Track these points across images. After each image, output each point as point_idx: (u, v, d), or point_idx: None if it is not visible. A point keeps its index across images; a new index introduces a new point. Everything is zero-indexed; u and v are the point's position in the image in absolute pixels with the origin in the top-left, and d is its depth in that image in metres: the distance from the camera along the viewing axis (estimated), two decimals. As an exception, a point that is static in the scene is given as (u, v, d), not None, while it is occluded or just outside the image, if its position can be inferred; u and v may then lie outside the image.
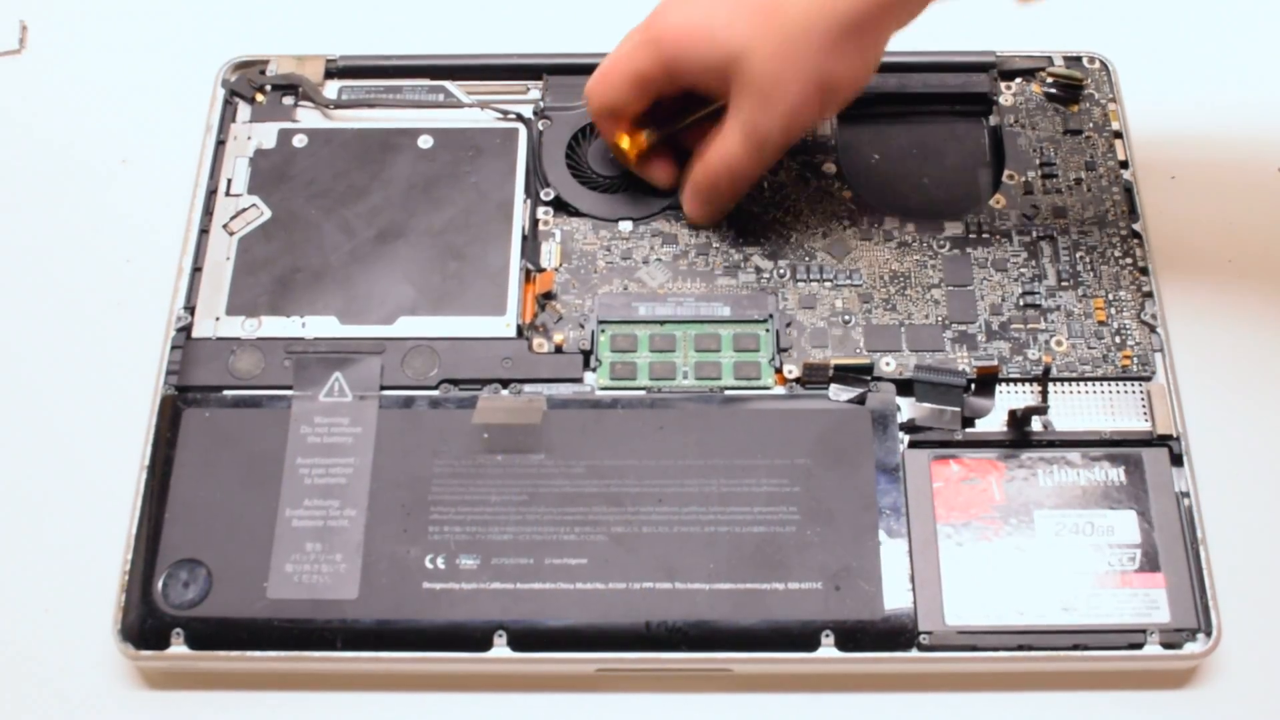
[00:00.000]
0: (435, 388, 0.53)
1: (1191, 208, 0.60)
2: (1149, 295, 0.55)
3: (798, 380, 0.53)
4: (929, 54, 0.61)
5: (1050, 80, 0.60)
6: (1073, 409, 0.53)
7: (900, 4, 0.50)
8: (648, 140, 0.56)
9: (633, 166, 0.57)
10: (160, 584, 0.50)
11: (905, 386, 0.53)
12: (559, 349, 0.54)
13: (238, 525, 0.50)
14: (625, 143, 0.55)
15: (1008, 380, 0.54)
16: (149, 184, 0.62)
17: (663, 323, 0.55)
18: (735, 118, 0.52)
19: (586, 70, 0.60)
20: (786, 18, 0.50)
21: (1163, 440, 0.52)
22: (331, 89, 0.61)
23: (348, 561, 0.50)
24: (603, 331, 0.55)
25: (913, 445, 0.52)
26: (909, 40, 0.53)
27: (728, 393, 0.53)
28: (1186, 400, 0.54)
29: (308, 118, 0.60)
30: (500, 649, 0.49)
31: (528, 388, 0.53)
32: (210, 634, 0.49)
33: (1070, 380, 0.54)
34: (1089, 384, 0.54)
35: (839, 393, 0.53)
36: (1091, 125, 0.60)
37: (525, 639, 0.49)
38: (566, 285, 0.56)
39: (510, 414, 0.52)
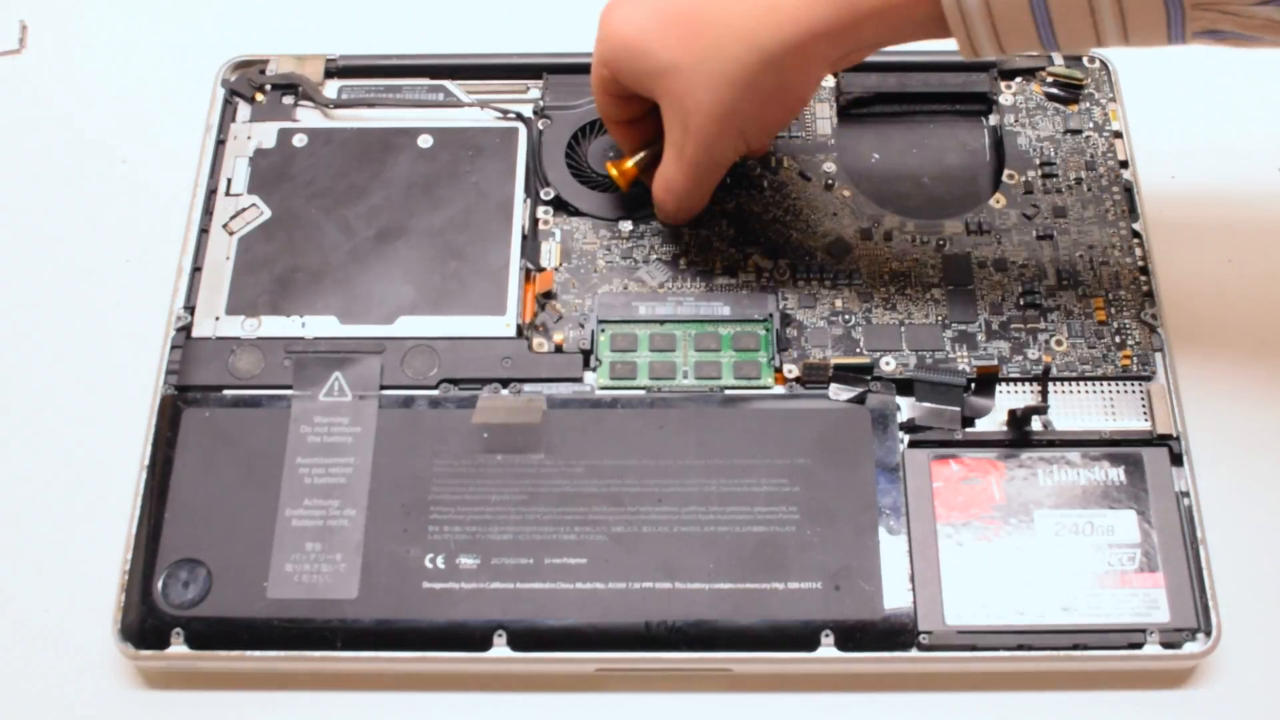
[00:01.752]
0: (435, 387, 0.53)
1: (1191, 208, 0.60)
2: (1149, 295, 0.55)
3: (798, 380, 0.53)
4: (929, 54, 0.60)
5: (1050, 80, 0.60)
6: (1073, 409, 0.53)
7: (827, 44, 0.48)
8: (634, 167, 0.55)
9: (624, 190, 0.57)
10: (160, 584, 0.50)
11: (905, 386, 0.53)
12: (559, 348, 0.54)
13: (238, 525, 0.50)
14: (614, 172, 0.56)
15: (1008, 380, 0.54)
16: (149, 184, 0.62)
17: (663, 322, 0.55)
18: (670, 140, 0.52)
19: (586, 70, 0.60)
20: (708, 41, 0.48)
21: (1163, 440, 0.52)
22: (331, 89, 0.61)
23: (347, 561, 0.50)
24: (603, 331, 0.55)
25: (913, 445, 0.52)
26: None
27: (728, 392, 0.53)
28: (1186, 400, 0.54)
29: (308, 117, 0.60)
30: (500, 649, 0.49)
31: (528, 387, 0.53)
32: (210, 634, 0.49)
33: (1070, 380, 0.54)
34: (1089, 384, 0.54)
35: (839, 392, 0.53)
36: (1091, 125, 0.60)
37: (525, 639, 0.49)
38: (566, 285, 0.56)
39: (510, 414, 0.52)
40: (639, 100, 0.53)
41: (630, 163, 0.55)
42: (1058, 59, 0.61)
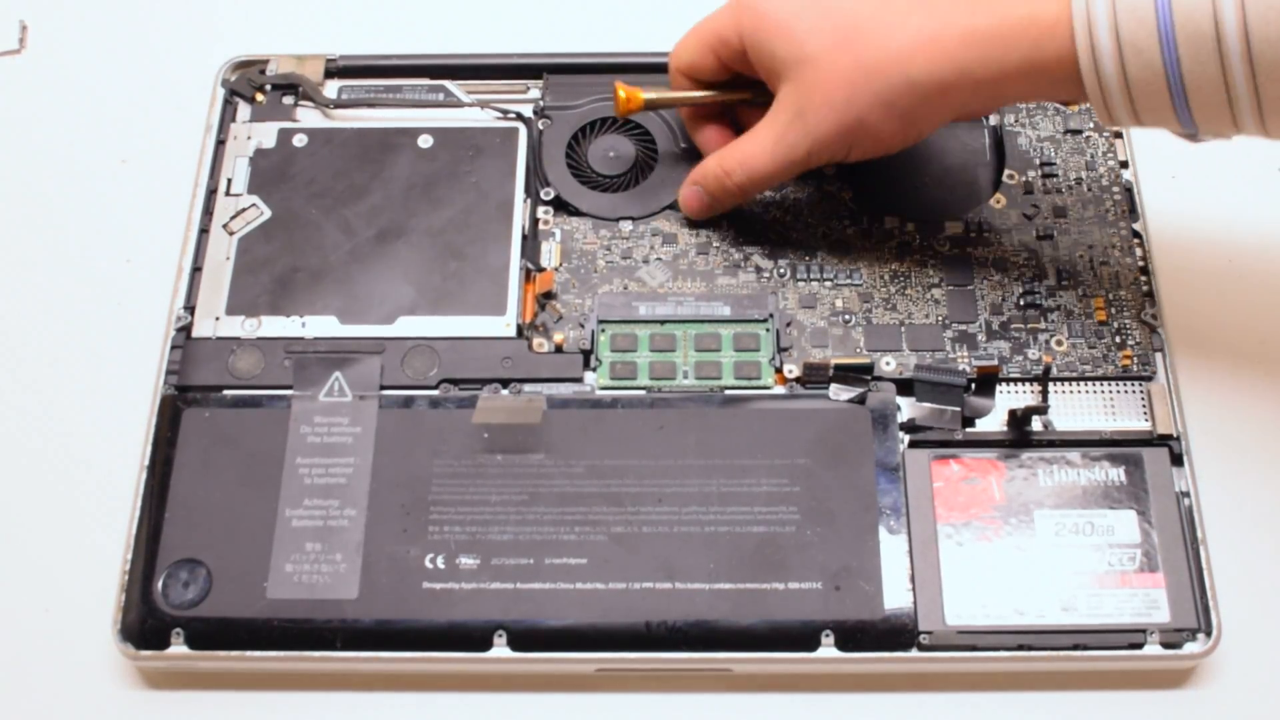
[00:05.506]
0: (435, 388, 0.53)
1: (1191, 208, 0.60)
2: (1149, 295, 0.55)
3: (798, 380, 0.53)
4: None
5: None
6: (1073, 409, 0.53)
7: (971, 90, 0.49)
8: (644, 100, 0.55)
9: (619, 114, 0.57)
10: (160, 584, 0.50)
11: (905, 386, 0.53)
12: (559, 349, 0.54)
13: (238, 525, 0.50)
14: (622, 94, 0.55)
15: (1008, 380, 0.54)
16: (149, 184, 0.62)
17: (663, 322, 0.55)
18: (773, 121, 0.52)
19: (586, 70, 0.61)
20: (862, 51, 0.49)
21: (1163, 440, 0.52)
22: (331, 89, 0.61)
23: (348, 561, 0.50)
24: (603, 331, 0.55)
25: (913, 445, 0.52)
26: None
27: (728, 392, 0.53)
28: (1186, 400, 0.54)
29: (308, 117, 0.60)
30: (500, 649, 0.49)
31: (528, 387, 0.53)
32: (210, 634, 0.49)
33: (1070, 380, 0.54)
34: (1089, 384, 0.54)
35: (839, 392, 0.53)
36: (1092, 125, 0.59)
37: (525, 639, 0.49)
38: (566, 285, 0.56)
39: (510, 414, 0.52)
40: (732, 70, 0.54)
41: (648, 94, 0.55)
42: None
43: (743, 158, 0.53)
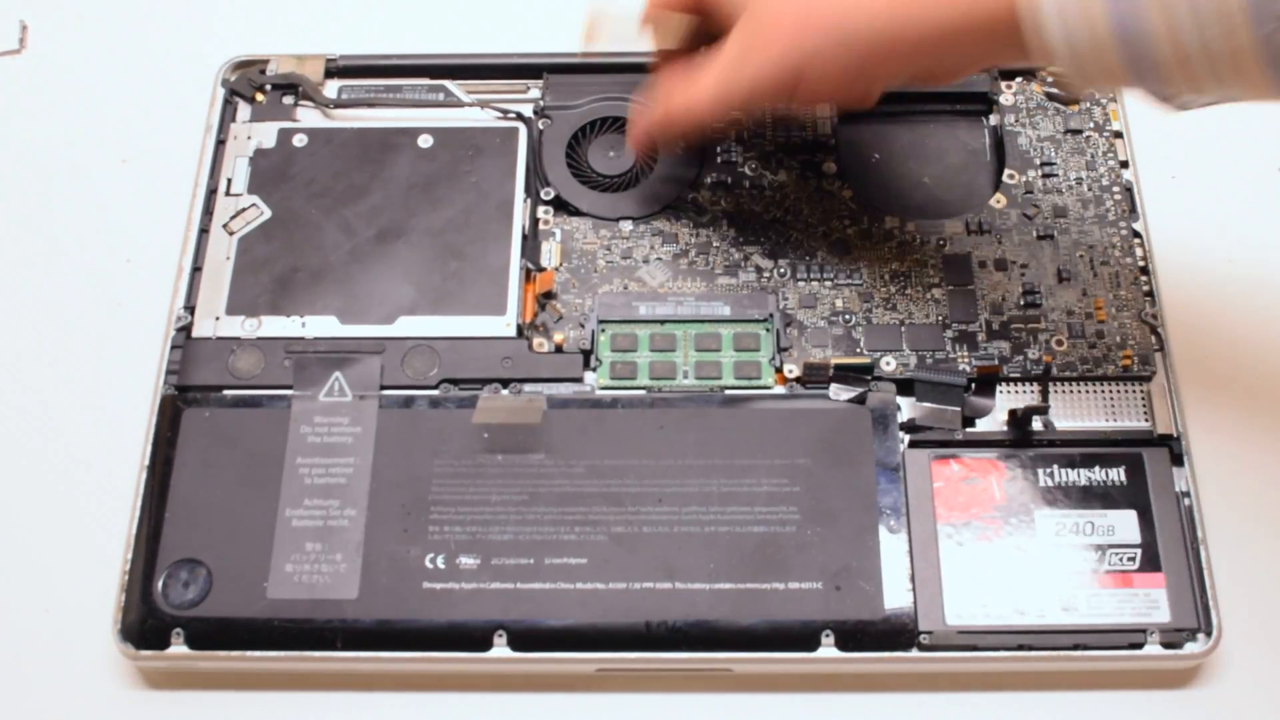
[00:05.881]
0: (435, 387, 0.53)
1: (1191, 208, 0.60)
2: (1149, 295, 0.55)
3: (798, 380, 0.53)
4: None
5: (1051, 79, 0.60)
6: (1073, 409, 0.53)
7: (909, 53, 0.48)
8: (599, 32, 0.55)
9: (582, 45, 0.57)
10: (160, 584, 0.50)
11: (905, 386, 0.53)
12: (559, 349, 0.54)
13: (238, 525, 0.50)
14: (586, 26, 0.55)
15: (1008, 380, 0.54)
16: (149, 184, 0.62)
17: (663, 322, 0.55)
18: (718, 61, 0.51)
19: (586, 70, 0.61)
20: (807, 1, 0.49)
21: (1163, 440, 0.52)
22: (331, 88, 0.61)
23: (348, 561, 0.50)
24: (603, 331, 0.55)
25: (913, 445, 0.52)
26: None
27: (728, 392, 0.53)
28: (1186, 400, 0.54)
29: (308, 117, 0.60)
30: (500, 649, 0.49)
31: (528, 387, 0.53)
32: (210, 634, 0.49)
33: (1070, 380, 0.54)
34: (1089, 384, 0.54)
35: (839, 392, 0.53)
36: (1092, 125, 0.60)
37: (525, 639, 0.49)
38: (566, 285, 0.56)
39: (510, 414, 0.52)
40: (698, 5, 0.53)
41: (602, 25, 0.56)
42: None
43: (686, 101, 0.52)
